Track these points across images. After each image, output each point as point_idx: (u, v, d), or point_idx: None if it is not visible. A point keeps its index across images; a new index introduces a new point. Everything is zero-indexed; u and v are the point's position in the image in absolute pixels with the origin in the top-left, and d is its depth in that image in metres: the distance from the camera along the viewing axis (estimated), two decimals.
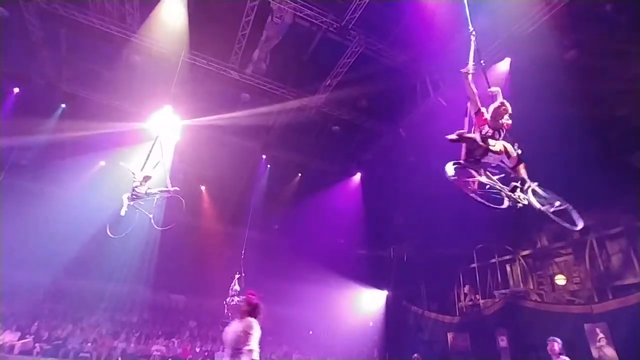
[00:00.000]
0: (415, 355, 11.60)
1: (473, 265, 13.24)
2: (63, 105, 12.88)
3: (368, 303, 16.20)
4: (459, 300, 13.65)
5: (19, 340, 11.83)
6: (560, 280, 11.12)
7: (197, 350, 14.25)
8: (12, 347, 11.58)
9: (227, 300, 11.53)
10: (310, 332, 16.67)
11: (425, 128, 12.37)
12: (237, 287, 11.60)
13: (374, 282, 15.94)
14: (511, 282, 12.30)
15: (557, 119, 8.81)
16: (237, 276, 11.69)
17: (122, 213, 7.58)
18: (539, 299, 11.24)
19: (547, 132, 8.77)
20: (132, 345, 13.35)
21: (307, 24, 10.70)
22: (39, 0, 9.96)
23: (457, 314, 13.35)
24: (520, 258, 12.16)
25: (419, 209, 13.61)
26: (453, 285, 13.85)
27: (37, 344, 12.04)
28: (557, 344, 5.66)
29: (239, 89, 12.53)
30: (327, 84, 12.27)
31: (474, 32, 4.93)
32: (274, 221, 17.64)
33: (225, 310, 11.92)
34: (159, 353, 13.24)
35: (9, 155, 12.95)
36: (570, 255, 11.06)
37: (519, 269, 12.16)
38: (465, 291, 13.56)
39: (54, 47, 11.57)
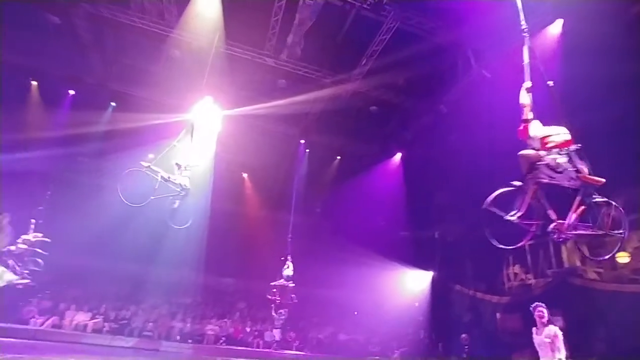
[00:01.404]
0: (464, 335, 11.48)
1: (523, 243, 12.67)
2: (113, 103, 13.66)
3: (412, 284, 16.09)
4: (509, 280, 13.18)
5: (90, 320, 13.05)
6: (622, 258, 10.38)
7: (248, 330, 14.96)
8: (85, 326, 12.81)
9: (276, 282, 11.90)
10: (355, 313, 16.90)
11: (467, 103, 11.86)
12: (289, 272, 11.90)
13: (418, 263, 15.75)
14: (565, 260, 11.67)
15: (618, 80, 8.06)
16: (288, 261, 11.99)
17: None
18: (597, 278, 10.60)
19: (606, 94, 8.08)
20: (188, 325, 14.26)
21: (340, 3, 10.50)
22: (86, 4, 10.51)
23: (506, 294, 12.93)
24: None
25: (464, 187, 13.14)
26: (502, 265, 13.38)
27: (106, 323, 13.22)
28: (546, 311, 5.42)
29: (275, 76, 12.64)
30: (363, 63, 12.04)
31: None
32: (315, 205, 17.85)
33: (272, 293, 12.31)
34: (212, 332, 14.06)
35: (67, 152, 13.96)
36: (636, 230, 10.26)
37: (573, 245, 11.48)
38: (515, 270, 13.06)
39: (101, 48, 12.26)
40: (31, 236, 10.10)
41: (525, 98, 4.38)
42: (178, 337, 13.53)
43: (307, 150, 16.04)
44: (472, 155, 12.07)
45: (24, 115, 13.33)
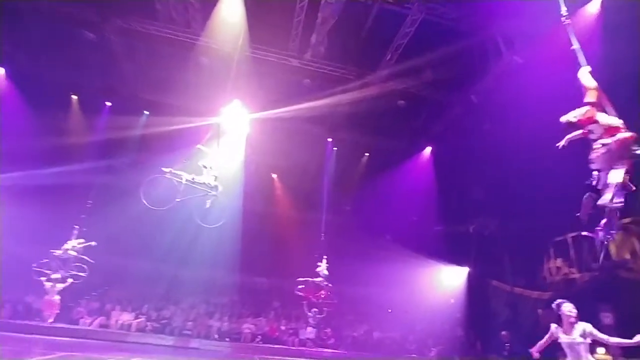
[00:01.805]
0: (504, 332, 11.09)
1: (566, 237, 12.06)
2: (146, 112, 14.22)
3: (448, 280, 15.72)
4: (550, 275, 12.59)
5: (134, 319, 13.69)
6: None
7: (283, 328, 15.16)
8: (129, 326, 13.45)
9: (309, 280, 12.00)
10: (390, 311, 16.73)
11: (499, 91, 11.42)
12: (325, 272, 12.00)
13: (453, 258, 15.36)
14: (614, 254, 10.99)
15: None
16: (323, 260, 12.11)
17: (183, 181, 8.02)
18: None
19: None
20: (225, 323, 14.64)
21: None
22: (118, 19, 11.01)
23: (548, 289, 12.36)
24: (625, 226, 10.76)
25: (499, 179, 12.68)
26: (542, 259, 12.80)
27: (148, 323, 13.82)
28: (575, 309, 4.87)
29: (300, 76, 12.70)
30: (389, 58, 11.86)
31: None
32: (345, 203, 17.81)
33: (301, 290, 12.40)
34: (249, 330, 14.36)
35: (107, 162, 14.68)
36: None
37: (622, 237, 10.80)
38: (557, 264, 12.46)
39: (133, 59, 12.77)
40: (75, 242, 10.82)
41: (589, 81, 4.16)
42: (216, 336, 13.92)
43: (335, 149, 16.02)
44: (507, 145, 11.61)
45: (66, 129, 14.18)
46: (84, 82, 13.48)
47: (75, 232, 11.15)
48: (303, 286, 11.97)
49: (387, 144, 15.78)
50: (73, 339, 11.46)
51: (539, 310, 11.95)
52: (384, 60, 11.98)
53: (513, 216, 13.05)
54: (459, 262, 15.48)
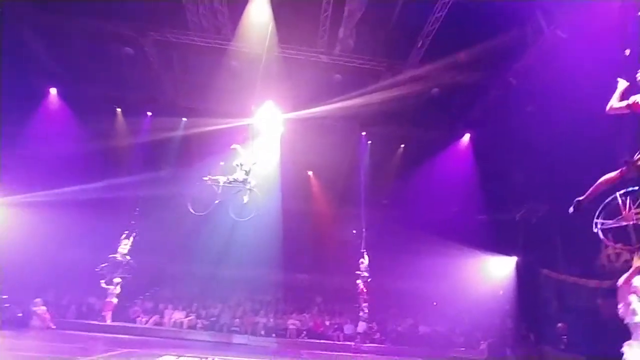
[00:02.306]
0: (560, 324, 10.53)
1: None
2: (184, 119, 14.79)
3: (495, 271, 15.13)
4: (609, 262, 11.75)
5: (185, 318, 14.36)
6: None
7: (327, 323, 15.29)
8: (182, 323, 14.13)
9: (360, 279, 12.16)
10: (435, 304, 16.40)
11: (541, 70, 10.78)
12: (365, 266, 12.11)
13: (500, 248, 14.75)
14: None
15: None
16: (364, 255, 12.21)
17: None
18: None
19: None
20: (271, 320, 15.00)
21: None
22: (153, 32, 11.52)
23: (608, 277, 11.54)
24: None
25: (545, 162, 11.98)
26: (599, 245, 11.97)
27: (198, 320, 14.45)
28: None
29: (331, 71, 12.67)
30: (419, 45, 11.52)
31: None
32: (382, 197, 17.62)
33: (359, 288, 12.55)
34: (294, 326, 14.61)
35: (152, 174, 15.45)
36: None
37: None
38: (617, 250, 11.60)
39: (169, 69, 13.33)
40: (126, 247, 11.71)
41: None
42: (262, 332, 14.30)
43: (369, 142, 15.87)
44: (551, 126, 10.96)
45: (113, 140, 15.08)
46: (126, 95, 14.24)
47: (126, 237, 11.94)
48: (359, 281, 12.17)
49: (423, 133, 15.40)
50: (132, 337, 12.22)
51: (598, 301, 11.20)
52: (415, 49, 11.66)
53: (564, 200, 12.25)
54: (505, 252, 14.85)
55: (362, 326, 13.70)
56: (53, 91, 13.60)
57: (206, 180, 8.67)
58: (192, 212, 9.29)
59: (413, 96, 13.47)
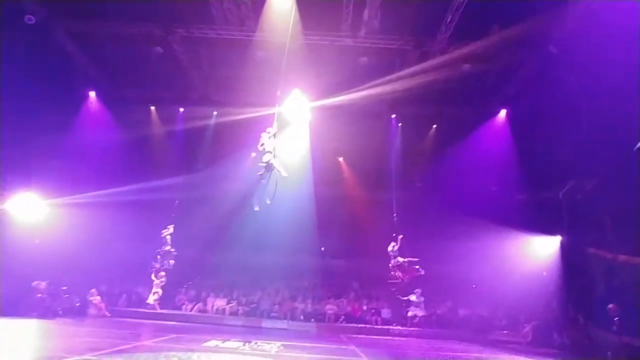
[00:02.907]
0: (611, 305, 9.97)
1: None
2: (215, 112, 15.10)
3: (537, 251, 14.50)
4: None
5: (227, 305, 14.94)
6: None
7: (364, 308, 15.39)
8: (224, 310, 14.73)
9: (392, 262, 12.10)
10: (474, 287, 16.04)
11: (584, 36, 9.99)
12: (395, 248, 12.05)
13: (542, 227, 14.09)
14: None
15: None
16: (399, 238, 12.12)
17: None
18: None
19: None
20: (309, 305, 15.31)
21: None
22: (181, 30, 11.75)
23: None
24: None
25: (590, 136, 11.21)
26: None
27: (239, 307, 15.00)
28: None
29: (357, 55, 12.42)
30: (448, 20, 11.01)
31: None
32: (414, 179, 17.28)
33: (391, 272, 12.52)
34: (332, 311, 14.83)
35: (188, 168, 15.97)
36: None
37: None
38: None
39: (197, 65, 13.59)
40: (167, 240, 12.37)
41: None
42: (301, 317, 14.63)
43: (400, 125, 15.53)
44: (597, 96, 10.19)
45: (150, 138, 15.70)
46: (158, 93, 14.71)
47: (169, 231, 12.55)
48: (393, 273, 12.15)
49: (455, 112, 14.88)
50: (178, 323, 12.92)
51: None
52: (444, 24, 11.16)
53: (613, 174, 11.46)
54: (548, 231, 14.16)
55: (417, 311, 13.75)
56: (92, 94, 14.25)
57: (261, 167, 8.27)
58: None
59: (443, 74, 12.97)
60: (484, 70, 12.90)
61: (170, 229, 13.39)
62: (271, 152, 8.19)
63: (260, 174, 8.13)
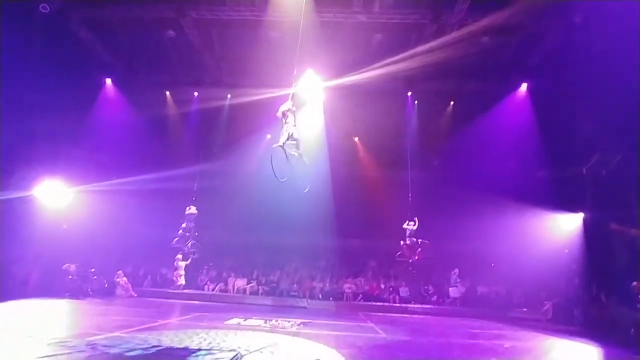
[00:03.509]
0: (635, 283, 9.80)
1: None
2: (229, 95, 15.09)
3: (559, 229, 14.22)
4: None
5: (247, 284, 15.35)
6: None
7: (382, 286, 15.56)
8: (244, 290, 15.14)
9: (404, 240, 12.12)
10: (492, 265, 15.94)
11: (609, 4, 9.43)
12: (413, 227, 12.06)
13: (563, 204, 13.77)
14: None
15: None
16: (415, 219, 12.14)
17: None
18: None
19: None
20: (327, 284, 15.57)
21: None
22: (192, 13, 11.65)
23: None
24: None
25: (617, 108, 10.70)
26: None
27: (259, 287, 15.38)
28: None
29: (371, 31, 12.10)
30: None
31: None
32: (431, 158, 17.03)
33: (401, 250, 12.56)
34: (350, 290, 15.06)
35: (205, 150, 16.10)
36: None
37: None
38: None
39: (210, 48, 13.50)
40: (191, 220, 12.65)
41: None
42: (320, 296, 14.92)
43: (416, 102, 15.21)
44: (624, 69, 9.67)
45: (167, 123, 15.88)
46: (173, 78, 14.76)
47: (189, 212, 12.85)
48: (400, 252, 12.18)
49: (474, 87, 14.42)
50: (202, 302, 13.39)
51: None
52: None
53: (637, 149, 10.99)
54: (570, 209, 13.83)
55: (454, 291, 13.87)
56: (109, 81, 14.41)
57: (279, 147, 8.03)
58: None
59: (461, 47, 12.52)
60: (504, 43, 12.40)
61: (193, 208, 13.64)
62: (292, 125, 7.86)
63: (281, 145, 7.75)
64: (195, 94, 15.21)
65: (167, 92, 15.24)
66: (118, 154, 14.57)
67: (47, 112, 11.52)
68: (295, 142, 7.74)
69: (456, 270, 13.85)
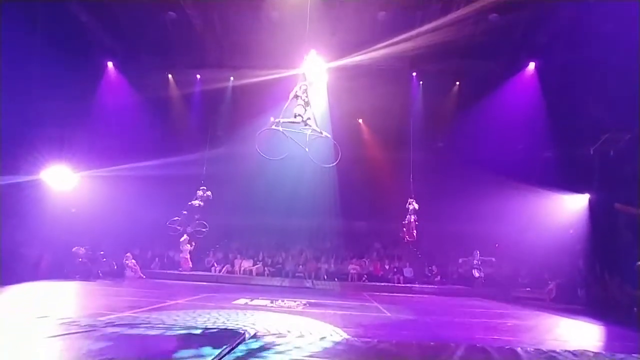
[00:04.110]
0: (639, 263, 9.80)
1: None
2: (232, 78, 14.92)
3: (564, 210, 14.18)
4: None
5: (253, 266, 15.58)
6: None
7: (387, 267, 15.74)
8: (250, 271, 15.39)
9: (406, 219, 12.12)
10: (497, 245, 16.00)
11: None
12: (415, 207, 12.04)
13: (570, 185, 13.68)
14: None
15: None
16: (410, 201, 12.10)
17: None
18: None
19: None
20: (332, 265, 15.78)
21: None
22: None
23: None
24: None
25: (628, 87, 10.46)
26: None
27: (265, 268, 15.62)
28: None
29: (374, 9, 11.81)
30: None
31: None
32: (437, 138, 16.89)
33: (403, 230, 12.57)
34: (355, 271, 15.26)
35: (209, 133, 16.04)
36: None
37: None
38: None
39: (211, 29, 13.26)
40: (196, 202, 12.64)
41: None
42: (325, 277, 15.14)
43: (421, 82, 14.98)
44: (634, 49, 9.41)
45: (170, 108, 15.78)
46: (175, 60, 14.58)
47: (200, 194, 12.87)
48: (405, 229, 12.20)
49: (480, 67, 14.12)
50: (209, 284, 13.64)
51: None
52: None
53: None
54: (576, 189, 13.75)
55: (476, 272, 13.99)
56: (110, 64, 14.28)
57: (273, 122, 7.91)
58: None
59: (468, 25, 12.22)
60: (512, 21, 12.05)
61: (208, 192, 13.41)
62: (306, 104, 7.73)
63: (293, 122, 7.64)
64: (198, 76, 15.06)
65: (170, 75, 15.08)
66: (123, 138, 14.59)
67: (49, 96, 11.51)
68: (310, 121, 7.60)
69: (477, 251, 13.96)
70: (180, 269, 14.50)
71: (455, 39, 12.58)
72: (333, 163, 8.60)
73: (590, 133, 12.97)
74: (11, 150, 10.87)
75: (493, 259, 14.43)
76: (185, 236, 13.63)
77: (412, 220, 12.10)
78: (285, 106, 7.55)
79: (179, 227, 12.85)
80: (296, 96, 7.53)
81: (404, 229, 12.21)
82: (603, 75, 11.30)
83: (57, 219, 12.64)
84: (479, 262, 13.99)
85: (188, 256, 13.84)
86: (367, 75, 13.96)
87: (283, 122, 7.32)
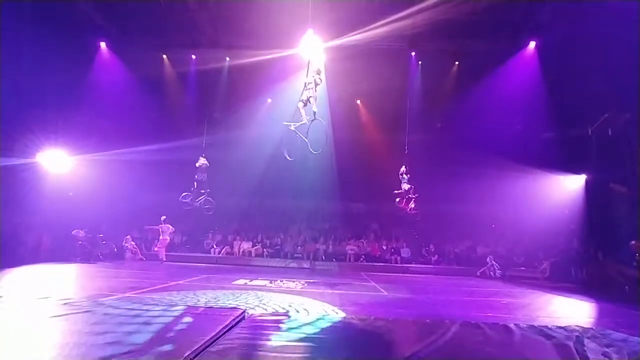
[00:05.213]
0: (633, 242, 9.96)
1: None
2: (228, 58, 14.66)
3: (561, 190, 14.29)
4: None
5: (252, 247, 15.73)
6: None
7: (384, 247, 15.92)
8: (250, 253, 15.54)
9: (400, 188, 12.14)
10: (493, 226, 16.19)
11: None
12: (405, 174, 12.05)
13: (566, 166, 13.74)
14: None
15: None
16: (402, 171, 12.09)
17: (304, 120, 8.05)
18: None
19: None
20: (330, 246, 15.95)
21: None
22: None
23: None
24: None
25: (630, 66, 10.35)
26: None
27: (264, 249, 15.78)
28: None
29: None
30: None
31: None
32: (436, 120, 16.80)
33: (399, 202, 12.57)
34: (352, 252, 15.45)
35: (206, 115, 15.88)
36: None
37: None
38: None
39: (206, 8, 12.92)
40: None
41: None
42: (323, 258, 15.33)
43: (420, 62, 14.78)
44: (635, 28, 9.27)
45: (165, 88, 15.53)
46: (169, 40, 14.26)
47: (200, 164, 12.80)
48: (399, 199, 12.21)
49: (480, 46, 13.88)
50: (209, 265, 13.79)
51: None
52: None
53: None
54: (573, 170, 13.82)
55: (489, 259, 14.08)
56: (103, 45, 13.97)
57: (289, 126, 8.22)
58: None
59: (467, 4, 11.96)
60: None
61: (202, 159, 13.09)
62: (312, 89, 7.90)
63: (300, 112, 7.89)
64: (193, 57, 14.78)
65: (164, 56, 14.79)
66: (119, 120, 14.45)
67: (42, 78, 11.31)
68: (311, 99, 7.78)
69: (490, 256, 13.97)
70: (154, 252, 14.24)
71: (455, 18, 12.34)
72: (320, 149, 8.67)
73: (590, 113, 12.94)
74: (6, 131, 10.76)
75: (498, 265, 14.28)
76: (169, 226, 13.47)
77: (406, 189, 12.08)
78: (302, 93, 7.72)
79: (185, 201, 12.84)
80: (314, 83, 7.73)
81: (398, 199, 12.22)
82: (604, 52, 11.16)
83: (54, 202, 12.65)
84: (496, 266, 13.83)
85: (163, 250, 13.53)
86: (365, 56, 13.74)
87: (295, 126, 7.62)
